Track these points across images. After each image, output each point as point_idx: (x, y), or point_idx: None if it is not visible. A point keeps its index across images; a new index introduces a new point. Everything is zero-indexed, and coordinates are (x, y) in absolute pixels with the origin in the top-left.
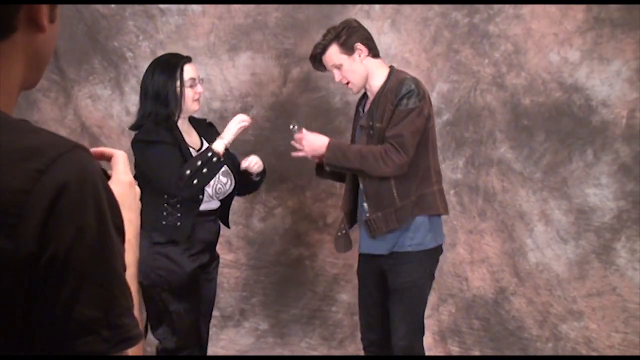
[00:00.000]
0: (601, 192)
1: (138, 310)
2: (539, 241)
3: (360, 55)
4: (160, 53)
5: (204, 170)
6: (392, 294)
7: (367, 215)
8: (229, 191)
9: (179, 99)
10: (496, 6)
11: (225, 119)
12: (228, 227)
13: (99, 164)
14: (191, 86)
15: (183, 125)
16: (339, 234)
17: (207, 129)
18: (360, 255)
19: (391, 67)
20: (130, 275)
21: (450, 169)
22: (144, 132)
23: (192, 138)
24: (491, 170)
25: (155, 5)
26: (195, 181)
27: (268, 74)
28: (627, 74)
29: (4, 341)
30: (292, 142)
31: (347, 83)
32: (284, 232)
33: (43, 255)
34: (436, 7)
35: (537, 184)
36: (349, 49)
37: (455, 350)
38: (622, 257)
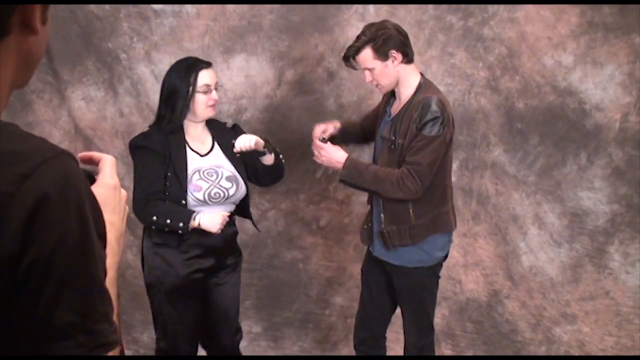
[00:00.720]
0: (595, 195)
1: (118, 315)
2: (533, 244)
3: (393, 62)
4: (154, 55)
5: (166, 229)
6: (399, 294)
7: (382, 226)
8: (234, 196)
9: (188, 103)
10: (490, 9)
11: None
12: (257, 229)
13: (81, 172)
14: (205, 92)
15: (195, 129)
16: (365, 226)
17: (224, 133)
18: (367, 252)
19: (422, 77)
20: (111, 279)
21: None
22: (137, 136)
23: (201, 143)
24: (485, 173)
25: (149, 7)
26: (153, 227)
27: (262, 76)
28: (620, 78)
29: None
30: (313, 147)
31: (375, 85)
32: (277, 235)
33: (24, 258)
34: (430, 10)
35: (530, 187)
36: (383, 55)
37: (448, 353)
38: (615, 261)
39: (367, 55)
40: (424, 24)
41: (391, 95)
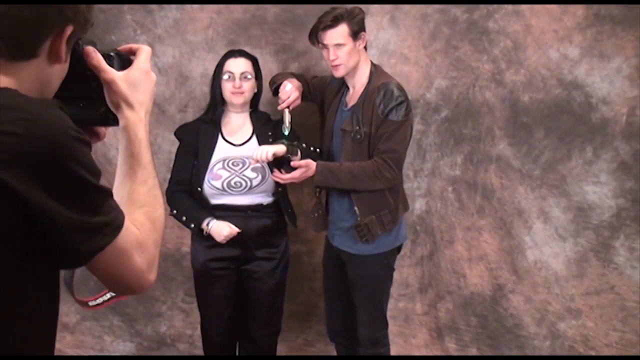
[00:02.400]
0: (600, 189)
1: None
2: (538, 239)
3: (360, 45)
4: (158, 48)
5: (181, 223)
6: (353, 284)
7: (359, 219)
8: (259, 186)
9: (217, 92)
10: (495, 2)
11: None
12: (294, 225)
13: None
14: (228, 79)
15: (236, 119)
16: (316, 214)
17: (265, 125)
18: (325, 245)
19: (372, 65)
20: (144, 142)
21: (449, 165)
22: (179, 126)
23: (239, 134)
24: (490, 167)
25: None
26: (172, 217)
27: (266, 69)
28: (627, 71)
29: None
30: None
31: (337, 65)
32: None
33: (32, 199)
34: (435, 4)
35: (535, 181)
36: (355, 34)
37: (452, 347)
38: (620, 256)
39: (343, 30)
40: (429, 17)
41: (342, 85)
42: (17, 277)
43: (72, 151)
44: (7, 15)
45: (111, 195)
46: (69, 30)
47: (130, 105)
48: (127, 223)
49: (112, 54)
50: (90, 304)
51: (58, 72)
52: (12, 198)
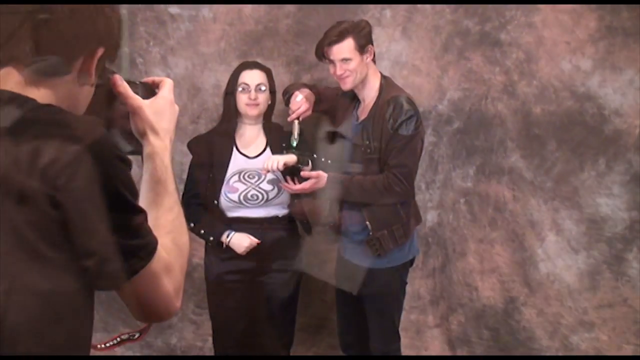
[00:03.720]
0: (613, 202)
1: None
2: (550, 251)
3: (367, 58)
4: (170, 59)
5: (199, 236)
6: (365, 299)
7: (371, 234)
8: (275, 199)
9: (235, 103)
10: (508, 14)
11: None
12: (308, 233)
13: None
14: (243, 91)
15: (250, 131)
16: (327, 226)
17: (279, 136)
18: (337, 257)
19: (382, 76)
20: (168, 166)
21: (461, 177)
22: (191, 139)
23: (253, 146)
24: (502, 179)
25: (166, 12)
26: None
27: (278, 80)
28: None
29: (34, 271)
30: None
31: (344, 78)
32: None
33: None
34: (447, 15)
35: (548, 193)
36: (361, 48)
37: None
38: (633, 268)
39: (349, 45)
40: (441, 29)
41: (354, 98)
42: (60, 288)
43: (118, 172)
44: (44, 31)
45: (147, 218)
46: (100, 51)
47: (156, 133)
48: (159, 247)
49: (137, 82)
50: (99, 347)
51: (86, 94)
52: (60, 216)
